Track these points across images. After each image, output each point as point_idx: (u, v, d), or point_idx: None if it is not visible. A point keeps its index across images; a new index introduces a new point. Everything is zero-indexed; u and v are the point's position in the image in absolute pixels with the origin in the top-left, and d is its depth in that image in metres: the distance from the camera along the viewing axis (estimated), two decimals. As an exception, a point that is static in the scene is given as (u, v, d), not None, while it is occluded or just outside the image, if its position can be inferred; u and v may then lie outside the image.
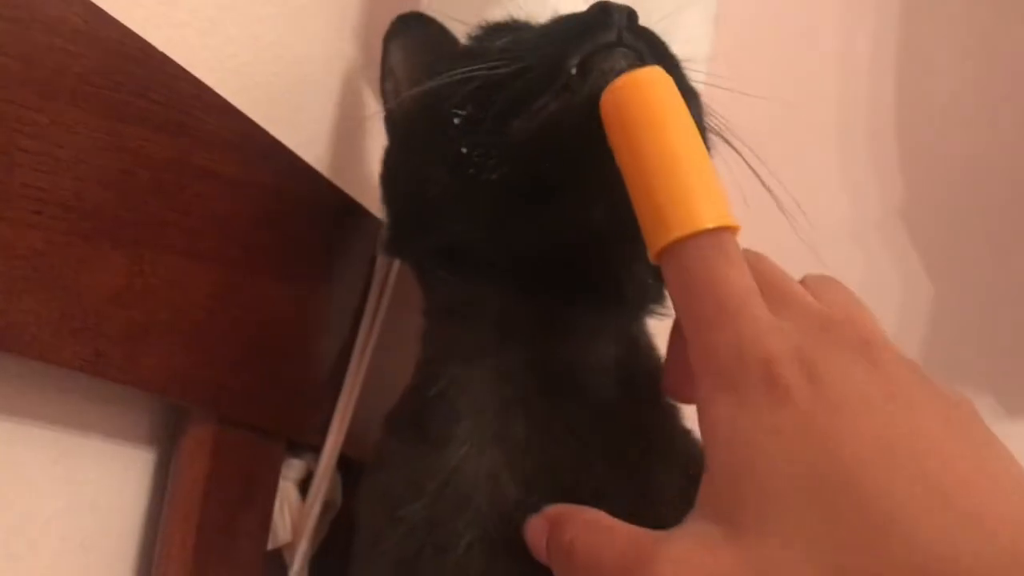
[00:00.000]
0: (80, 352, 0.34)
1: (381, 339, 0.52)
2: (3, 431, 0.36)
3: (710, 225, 0.29)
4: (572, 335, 0.39)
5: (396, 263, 0.53)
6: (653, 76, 0.32)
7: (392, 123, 0.46)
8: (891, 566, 0.22)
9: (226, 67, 0.44)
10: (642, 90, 0.32)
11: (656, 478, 0.38)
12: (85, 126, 0.33)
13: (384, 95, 0.47)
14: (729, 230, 0.30)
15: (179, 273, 0.38)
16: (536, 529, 0.34)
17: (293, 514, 0.48)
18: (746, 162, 0.42)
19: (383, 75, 0.47)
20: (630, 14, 0.36)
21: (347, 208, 0.51)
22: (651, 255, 0.30)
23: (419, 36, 0.46)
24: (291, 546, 0.48)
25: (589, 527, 0.31)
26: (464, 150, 0.36)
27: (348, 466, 0.53)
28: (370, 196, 0.52)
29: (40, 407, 0.38)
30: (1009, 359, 0.91)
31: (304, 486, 0.50)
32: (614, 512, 0.31)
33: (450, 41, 0.46)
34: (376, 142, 0.60)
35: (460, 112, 0.37)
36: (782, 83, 0.98)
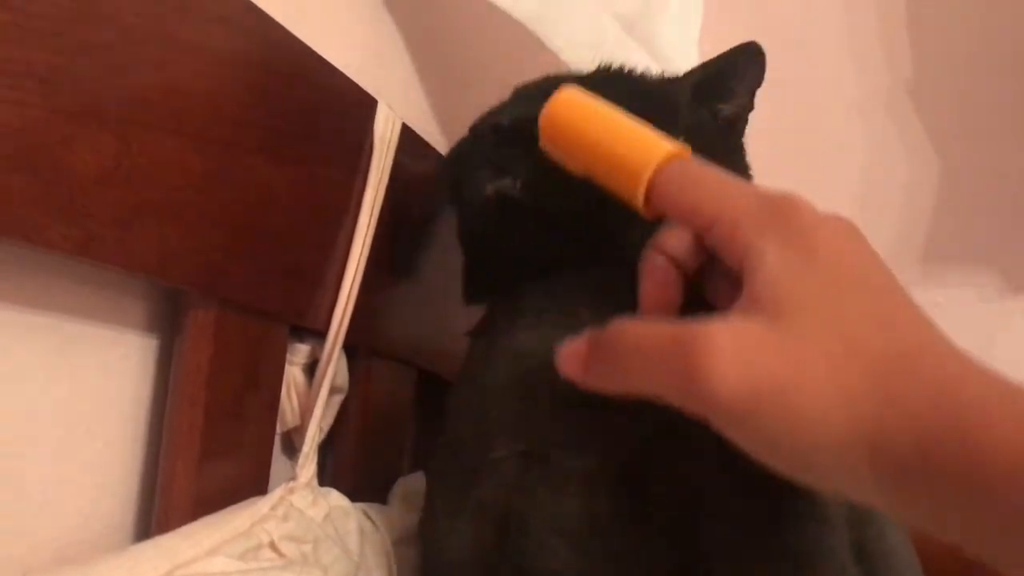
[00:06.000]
0: (69, 234, 0.33)
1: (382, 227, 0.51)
2: (2, 320, 0.35)
3: (665, 153, 0.35)
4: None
5: (393, 146, 0.51)
6: (556, 102, 0.38)
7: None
8: (891, 346, 0.29)
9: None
10: (556, 116, 0.38)
11: None
12: (56, -5, 0.31)
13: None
14: (678, 154, 0.35)
15: (168, 152, 0.37)
16: (574, 344, 0.36)
17: (300, 398, 0.48)
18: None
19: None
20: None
21: (343, 88, 0.49)
22: (641, 208, 0.35)
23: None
24: (299, 430, 0.48)
25: (635, 320, 0.34)
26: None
27: (354, 353, 0.53)
28: (363, 72, 0.50)
29: (39, 295, 0.37)
30: (1014, 235, 0.90)
31: (311, 371, 0.49)
32: None
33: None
34: (374, 21, 0.57)
35: None
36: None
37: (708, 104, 0.51)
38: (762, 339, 0.30)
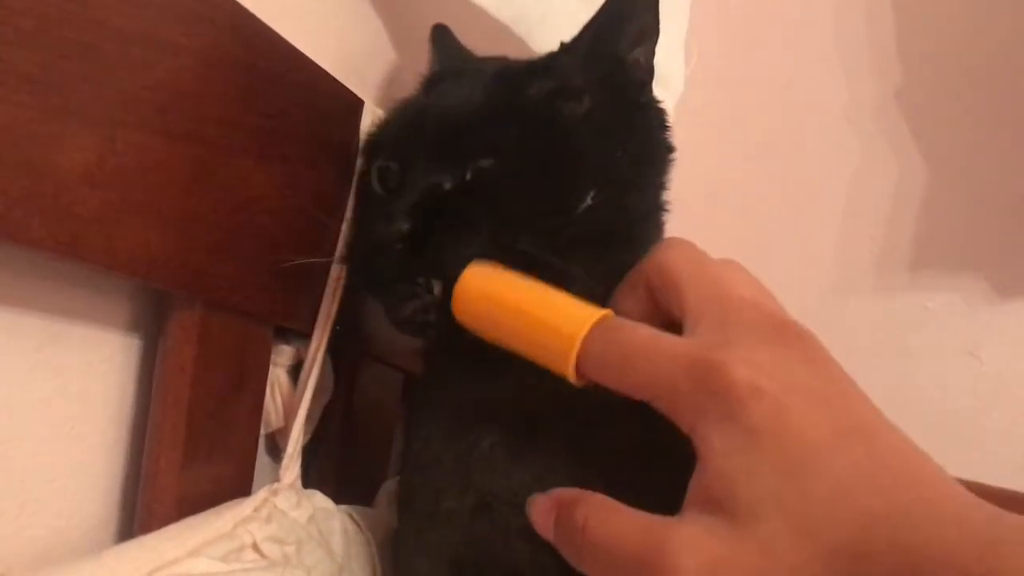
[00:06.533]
0: (53, 233, 0.33)
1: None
2: (-17, 318, 0.35)
3: (587, 325, 0.35)
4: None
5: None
6: (466, 282, 0.38)
7: None
8: (846, 522, 0.29)
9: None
10: (466, 297, 0.38)
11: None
12: (43, -6, 0.31)
13: None
14: (603, 318, 0.35)
15: (153, 152, 0.37)
16: (543, 508, 0.37)
17: (285, 400, 0.48)
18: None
19: None
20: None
21: (330, 89, 0.49)
22: (572, 378, 0.35)
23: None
24: (284, 431, 0.48)
25: (600, 508, 0.34)
26: None
27: (340, 355, 0.53)
28: (349, 72, 0.50)
29: (21, 294, 0.37)
30: (1002, 240, 0.90)
31: (295, 372, 0.49)
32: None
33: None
34: (360, 21, 0.57)
35: None
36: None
37: (609, 57, 0.47)
38: (723, 556, 0.30)
